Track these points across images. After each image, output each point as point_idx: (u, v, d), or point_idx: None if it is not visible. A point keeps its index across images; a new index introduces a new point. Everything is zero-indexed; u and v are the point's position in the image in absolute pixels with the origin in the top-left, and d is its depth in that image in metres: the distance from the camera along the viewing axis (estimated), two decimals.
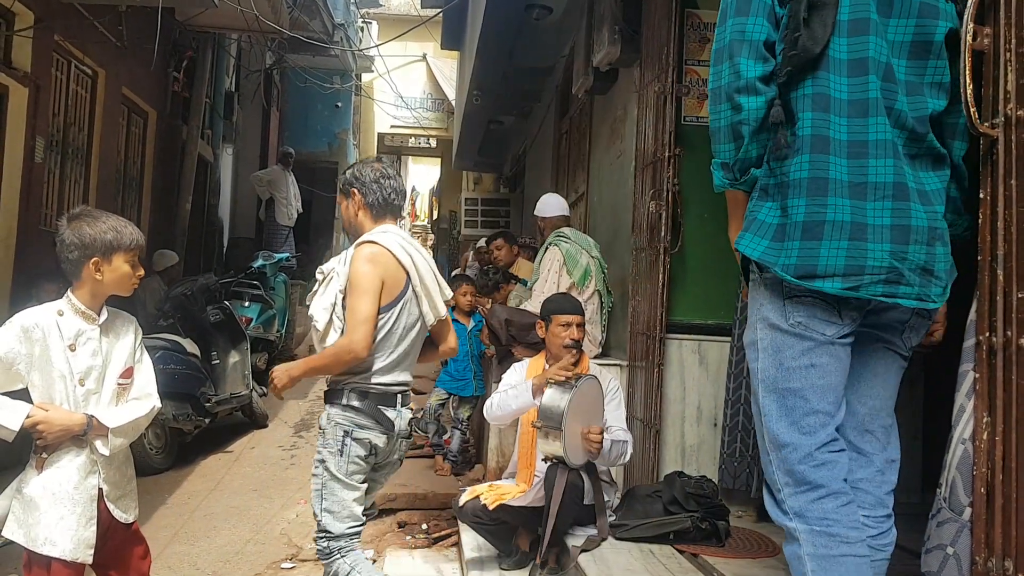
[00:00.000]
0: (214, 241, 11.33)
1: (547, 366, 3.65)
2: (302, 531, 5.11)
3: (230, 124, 11.71)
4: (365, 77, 17.24)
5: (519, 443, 3.75)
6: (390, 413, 2.79)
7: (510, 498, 3.37)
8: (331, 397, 2.80)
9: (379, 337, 2.76)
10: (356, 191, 2.88)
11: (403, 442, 2.88)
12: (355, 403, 2.76)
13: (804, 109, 1.92)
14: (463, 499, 3.53)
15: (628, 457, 3.54)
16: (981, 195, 1.86)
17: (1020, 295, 1.74)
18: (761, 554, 3.49)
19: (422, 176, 29.63)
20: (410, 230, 28.01)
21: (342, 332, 2.74)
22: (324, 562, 2.77)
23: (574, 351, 3.61)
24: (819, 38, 1.88)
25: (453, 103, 15.44)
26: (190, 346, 6.37)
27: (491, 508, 3.35)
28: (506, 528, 3.54)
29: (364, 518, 2.82)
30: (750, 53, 1.94)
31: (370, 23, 16.74)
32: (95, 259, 2.52)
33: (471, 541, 3.84)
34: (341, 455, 2.74)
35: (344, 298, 2.77)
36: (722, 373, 4.21)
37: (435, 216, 24.36)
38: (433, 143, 21.06)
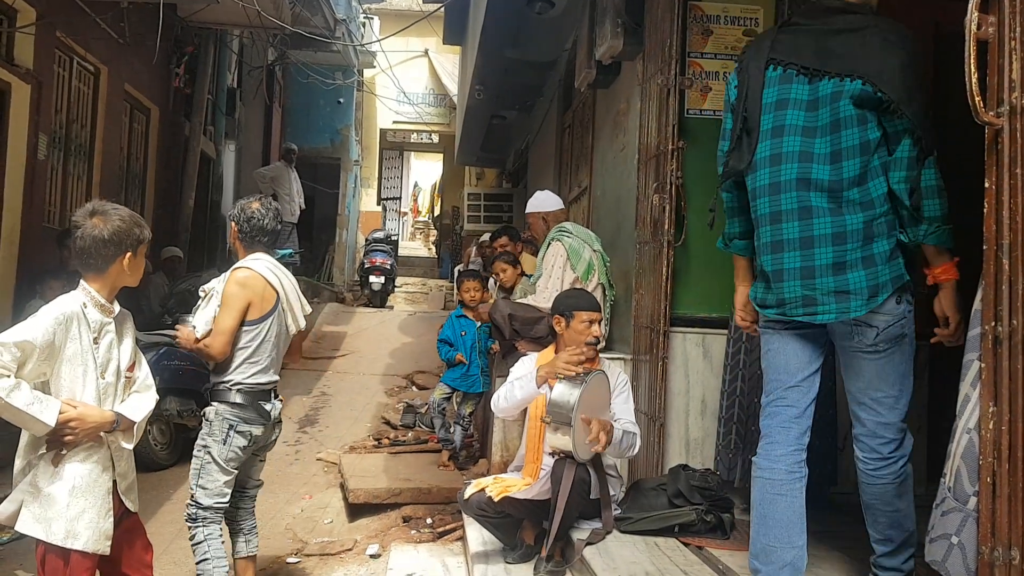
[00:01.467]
0: (217, 237, 11.35)
1: None
2: (307, 526, 5.13)
3: (232, 120, 11.71)
4: (367, 73, 17.24)
5: (526, 437, 3.74)
6: (267, 406, 3.39)
7: (515, 490, 3.38)
8: (218, 395, 3.33)
9: (255, 345, 3.34)
10: (234, 224, 3.45)
11: (277, 427, 3.50)
12: (240, 400, 3.31)
13: (753, 198, 2.70)
14: (468, 492, 3.53)
15: (636, 450, 3.54)
16: (987, 184, 1.85)
17: None
18: None
19: (424, 171, 29.62)
20: (412, 226, 28.08)
21: None
22: (189, 524, 3.34)
23: (594, 347, 3.60)
24: (745, 157, 2.69)
25: (455, 98, 15.43)
26: None
27: (496, 500, 3.35)
28: (511, 521, 3.54)
29: (228, 496, 3.38)
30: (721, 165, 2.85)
31: (372, 18, 16.70)
32: (128, 254, 2.56)
33: (476, 535, 3.84)
34: (224, 444, 3.29)
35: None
36: None
37: (437, 212, 24.35)
38: (435, 138, 21.07)
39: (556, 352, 3.69)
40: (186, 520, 3.35)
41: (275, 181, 11.96)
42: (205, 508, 3.30)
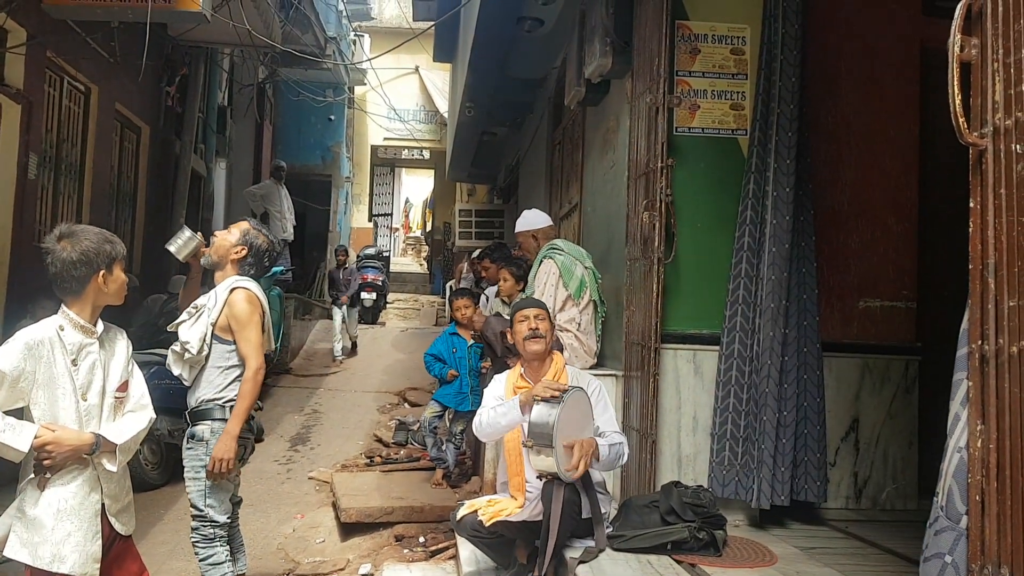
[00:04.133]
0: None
1: (523, 371, 3.63)
2: (299, 545, 5.10)
3: (223, 138, 11.72)
4: (358, 90, 17.30)
5: (504, 453, 3.71)
6: (252, 421, 3.46)
7: (507, 514, 3.36)
8: (211, 414, 3.36)
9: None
10: (246, 250, 3.54)
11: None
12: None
13: None
14: (461, 513, 3.52)
15: (626, 458, 3.52)
16: (971, 204, 1.87)
17: (1012, 303, 1.75)
18: (758, 563, 3.49)
19: (416, 187, 29.67)
20: (404, 242, 28.09)
21: (207, 355, 3.38)
22: (203, 546, 3.32)
23: (536, 338, 3.54)
24: None
25: (446, 115, 15.48)
26: None
27: (487, 524, 3.33)
28: (504, 541, 3.53)
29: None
30: None
31: (362, 36, 16.77)
32: (102, 272, 2.55)
33: (469, 554, 3.83)
34: None
35: (214, 330, 3.38)
36: None
37: (429, 228, 24.36)
38: (426, 155, 21.14)
39: (521, 364, 3.67)
40: (199, 543, 3.34)
41: (266, 199, 11.95)
42: (221, 525, 3.35)
